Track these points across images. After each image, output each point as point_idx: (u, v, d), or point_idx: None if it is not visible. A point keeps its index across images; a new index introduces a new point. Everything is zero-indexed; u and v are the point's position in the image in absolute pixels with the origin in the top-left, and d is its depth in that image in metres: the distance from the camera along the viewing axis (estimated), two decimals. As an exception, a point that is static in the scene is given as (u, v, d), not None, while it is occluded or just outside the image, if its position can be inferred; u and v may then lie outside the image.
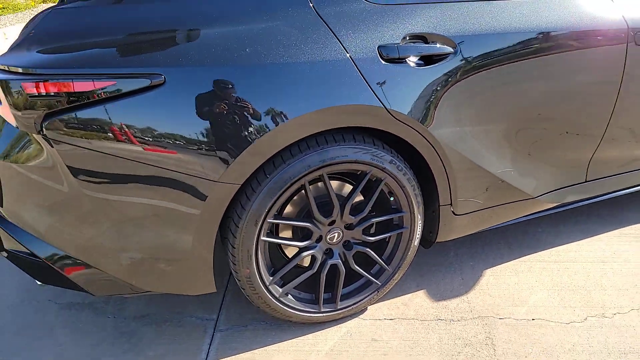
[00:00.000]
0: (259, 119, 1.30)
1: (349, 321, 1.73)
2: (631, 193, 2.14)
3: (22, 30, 1.39)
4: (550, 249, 2.08)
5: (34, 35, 1.29)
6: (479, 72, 1.53)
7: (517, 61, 1.58)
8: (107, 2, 1.34)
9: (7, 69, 1.26)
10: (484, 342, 1.62)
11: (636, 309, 1.74)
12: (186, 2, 1.33)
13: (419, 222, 1.67)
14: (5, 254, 1.53)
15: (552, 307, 1.76)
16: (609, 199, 2.15)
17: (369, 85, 1.38)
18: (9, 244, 1.49)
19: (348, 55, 1.37)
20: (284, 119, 1.31)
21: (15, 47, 1.30)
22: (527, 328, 1.67)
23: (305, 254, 1.57)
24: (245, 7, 1.35)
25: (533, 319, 1.71)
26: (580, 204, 2.01)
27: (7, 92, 1.22)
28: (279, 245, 1.64)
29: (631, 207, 2.35)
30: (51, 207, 1.35)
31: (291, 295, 1.64)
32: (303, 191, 1.50)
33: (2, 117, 1.38)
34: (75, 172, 1.28)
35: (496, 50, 1.54)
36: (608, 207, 2.34)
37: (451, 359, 1.56)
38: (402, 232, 1.68)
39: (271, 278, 1.56)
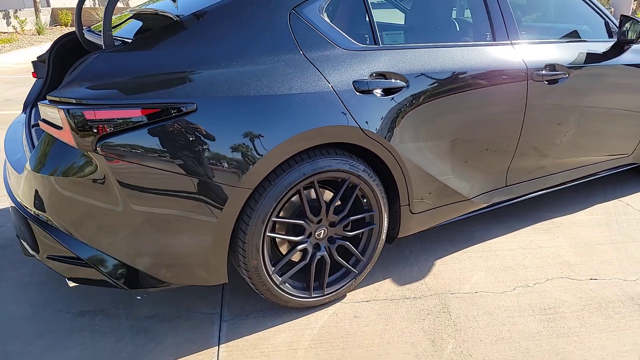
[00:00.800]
0: (270, 135, 1.67)
1: (333, 305, 2.09)
2: (540, 195, 2.72)
3: (70, 71, 1.67)
4: (483, 242, 2.58)
5: (83, 74, 1.59)
6: (425, 101, 2.02)
7: (452, 94, 2.10)
8: (143, 48, 1.68)
9: (64, 100, 1.55)
10: (442, 310, 2.05)
11: (550, 279, 2.26)
12: (210, 47, 1.69)
13: (385, 219, 2.10)
14: (35, 255, 1.75)
15: (489, 283, 2.23)
16: (524, 200, 2.72)
17: (348, 111, 1.82)
18: (48, 248, 1.72)
19: (332, 88, 1.80)
20: (287, 135, 1.69)
21: (67, 84, 1.59)
22: (473, 298, 2.12)
23: (299, 247, 1.94)
24: (253, 52, 1.74)
25: (476, 292, 2.17)
26: (504, 204, 2.55)
27: (69, 119, 1.51)
28: (275, 243, 1.99)
29: (541, 207, 2.94)
30: (97, 213, 1.63)
31: (288, 283, 1.98)
32: (297, 195, 1.88)
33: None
34: (122, 183, 1.57)
35: (437, 85, 2.04)
36: (524, 207, 2.92)
37: (419, 323, 1.96)
38: (372, 228, 2.09)
39: (273, 268, 1.90)
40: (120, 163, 1.56)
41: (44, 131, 1.70)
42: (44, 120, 1.63)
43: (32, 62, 2.61)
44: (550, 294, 2.16)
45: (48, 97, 1.59)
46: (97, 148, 1.54)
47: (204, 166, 1.62)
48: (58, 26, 14.92)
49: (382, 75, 1.94)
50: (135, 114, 1.55)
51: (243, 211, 1.76)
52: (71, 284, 1.78)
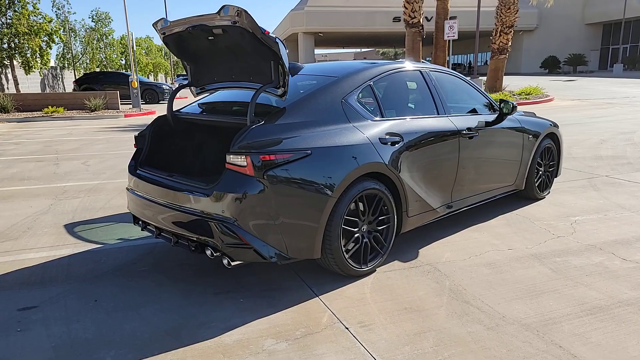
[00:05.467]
0: (345, 166, 3.04)
1: (371, 275, 3.38)
2: (469, 209, 4.33)
3: (240, 136, 2.88)
4: (443, 239, 4.08)
5: (247, 138, 2.84)
6: (413, 148, 3.54)
7: (422, 145, 3.65)
8: (272, 122, 2.98)
9: (243, 152, 2.79)
10: (435, 270, 3.45)
11: (487, 252, 3.78)
12: (307, 119, 3.05)
13: (395, 219, 3.50)
14: (214, 245, 2.86)
15: (454, 257, 3.70)
16: (460, 213, 4.31)
17: (379, 154, 3.26)
18: (226, 239, 2.83)
19: (369, 141, 3.24)
20: (352, 167, 3.07)
21: (238, 143, 2.83)
22: (449, 264, 3.56)
23: (356, 235, 3.24)
24: (327, 122, 3.13)
25: (449, 261, 3.61)
26: (451, 214, 4.10)
27: (252, 160, 2.75)
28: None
29: (471, 218, 4.55)
30: (263, 214, 2.82)
31: (350, 259, 3.24)
32: (354, 204, 3.22)
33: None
34: (276, 195, 2.81)
35: (415, 139, 3.59)
36: (460, 219, 4.51)
37: (425, 276, 3.34)
38: (389, 225, 3.48)
39: (344, 248, 3.17)
40: (276, 184, 2.81)
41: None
42: (229, 163, 2.84)
43: (135, 136, 3.70)
44: (490, 257, 3.68)
45: (232, 150, 2.81)
46: (264, 175, 2.78)
47: (315, 184, 2.93)
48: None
49: (390, 134, 3.44)
50: (281, 157, 2.84)
51: (332, 211, 3.05)
52: (233, 263, 2.88)
